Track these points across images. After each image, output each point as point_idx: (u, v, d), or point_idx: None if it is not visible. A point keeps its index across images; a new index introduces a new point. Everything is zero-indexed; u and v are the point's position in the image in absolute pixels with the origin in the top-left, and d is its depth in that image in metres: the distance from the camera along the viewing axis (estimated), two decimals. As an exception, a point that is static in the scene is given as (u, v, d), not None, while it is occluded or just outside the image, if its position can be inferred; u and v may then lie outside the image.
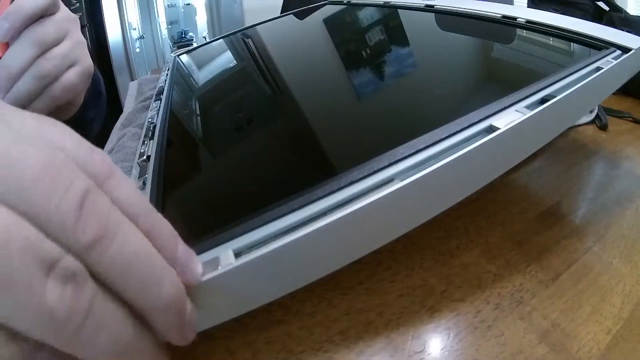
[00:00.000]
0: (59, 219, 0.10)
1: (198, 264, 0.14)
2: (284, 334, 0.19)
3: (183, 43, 1.62)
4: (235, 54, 0.47)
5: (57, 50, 0.25)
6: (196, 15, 1.70)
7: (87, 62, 0.28)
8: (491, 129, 0.19)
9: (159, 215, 0.14)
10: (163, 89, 0.39)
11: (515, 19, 0.33)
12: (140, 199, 0.13)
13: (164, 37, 1.65)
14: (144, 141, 0.28)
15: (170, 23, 1.66)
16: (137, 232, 0.12)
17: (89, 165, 0.12)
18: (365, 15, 0.47)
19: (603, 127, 0.36)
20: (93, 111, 0.38)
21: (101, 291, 0.11)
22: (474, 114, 0.20)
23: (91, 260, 0.11)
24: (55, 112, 0.28)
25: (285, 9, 0.81)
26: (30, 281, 0.10)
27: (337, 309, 0.20)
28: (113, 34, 1.46)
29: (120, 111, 0.48)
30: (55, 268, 0.10)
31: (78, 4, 1.30)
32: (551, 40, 0.30)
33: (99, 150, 0.13)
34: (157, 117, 0.32)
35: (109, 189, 0.12)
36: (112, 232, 0.11)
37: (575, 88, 0.21)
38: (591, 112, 0.37)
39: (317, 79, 0.35)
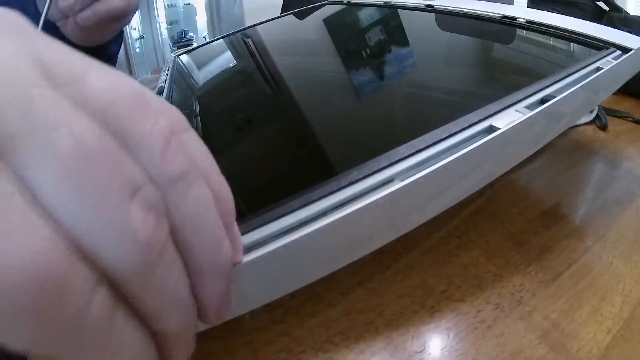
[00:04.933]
0: (149, 144, 0.10)
1: (242, 244, 0.14)
2: (284, 334, 0.19)
3: (183, 43, 1.62)
4: (236, 54, 0.47)
5: None
6: (196, 15, 1.70)
7: None
8: (491, 129, 0.19)
9: (224, 179, 0.13)
10: (163, 89, 0.39)
11: (515, 19, 0.33)
12: (211, 158, 0.12)
13: (164, 37, 1.65)
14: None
15: (170, 23, 1.66)
16: (208, 188, 0.12)
17: (167, 110, 0.11)
18: (365, 15, 0.47)
19: (603, 127, 0.36)
20: (115, 47, 0.42)
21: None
22: (474, 114, 0.20)
23: (172, 198, 0.10)
24: (100, 29, 0.33)
25: (285, 9, 0.80)
26: (117, 195, 0.09)
27: (337, 309, 0.20)
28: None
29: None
30: (140, 192, 0.09)
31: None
32: (551, 40, 0.30)
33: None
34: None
35: (183, 140, 0.11)
36: (196, 170, 0.11)
37: (575, 88, 0.21)
38: (591, 112, 0.37)
39: (317, 79, 0.34)
